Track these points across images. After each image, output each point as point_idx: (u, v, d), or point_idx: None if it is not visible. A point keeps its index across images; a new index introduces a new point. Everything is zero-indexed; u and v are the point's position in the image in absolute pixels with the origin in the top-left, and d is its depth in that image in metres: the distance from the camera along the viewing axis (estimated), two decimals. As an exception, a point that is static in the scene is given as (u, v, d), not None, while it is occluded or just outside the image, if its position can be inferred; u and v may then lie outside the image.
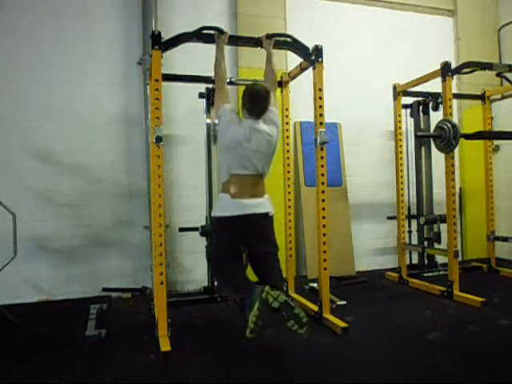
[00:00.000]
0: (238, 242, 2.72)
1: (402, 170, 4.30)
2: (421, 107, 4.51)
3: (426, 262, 4.58)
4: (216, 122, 2.80)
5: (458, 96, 4.74)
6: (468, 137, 3.85)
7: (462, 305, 3.38)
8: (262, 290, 2.40)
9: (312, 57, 3.04)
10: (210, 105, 3.62)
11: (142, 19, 4.05)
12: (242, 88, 4.04)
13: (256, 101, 2.68)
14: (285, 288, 2.76)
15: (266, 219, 2.72)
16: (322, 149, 3.01)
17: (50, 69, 3.90)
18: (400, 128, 4.29)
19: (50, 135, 3.88)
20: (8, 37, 3.82)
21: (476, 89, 4.79)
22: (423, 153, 4.55)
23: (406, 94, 4.31)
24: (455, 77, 4.60)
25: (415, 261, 4.65)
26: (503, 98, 4.97)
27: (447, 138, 3.57)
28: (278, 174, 3.67)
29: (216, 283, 3.58)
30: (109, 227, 4.01)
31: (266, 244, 2.73)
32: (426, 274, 4.35)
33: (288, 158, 3.74)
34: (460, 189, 5.16)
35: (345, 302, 3.48)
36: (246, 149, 2.63)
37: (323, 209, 3.04)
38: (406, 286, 4.08)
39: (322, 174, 3.02)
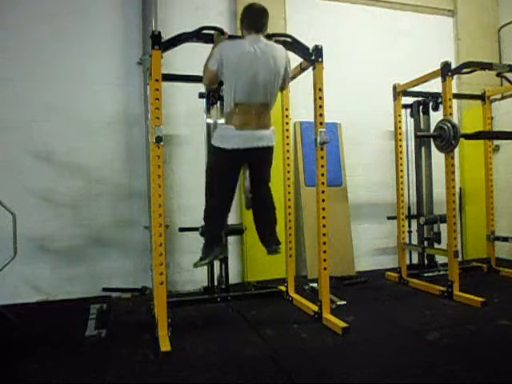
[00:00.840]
0: (237, 172, 2.78)
1: (402, 170, 4.30)
2: (421, 107, 4.51)
3: (426, 262, 4.58)
4: (214, 61, 2.69)
5: (457, 96, 4.74)
6: (468, 137, 3.85)
7: (462, 305, 3.38)
8: (219, 253, 2.95)
9: (312, 57, 3.03)
10: (209, 105, 3.63)
11: (142, 19, 4.05)
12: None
13: (255, 14, 2.69)
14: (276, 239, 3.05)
15: (269, 152, 2.76)
16: (321, 149, 3.01)
17: (50, 69, 3.90)
18: (400, 128, 4.29)
19: (50, 135, 3.88)
20: (8, 37, 3.82)
21: (476, 89, 4.79)
22: (423, 153, 4.55)
23: (406, 94, 4.30)
24: (455, 77, 4.60)
25: (415, 261, 4.65)
26: (503, 97, 4.96)
27: (447, 138, 3.57)
28: (278, 174, 3.67)
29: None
30: (109, 227, 4.01)
31: (263, 184, 2.90)
32: (425, 274, 4.35)
33: (288, 158, 3.73)
34: (460, 189, 5.16)
35: (345, 302, 3.48)
36: (252, 64, 2.56)
37: (323, 209, 3.04)
38: (405, 286, 4.08)
39: (322, 174, 3.02)
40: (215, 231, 2.95)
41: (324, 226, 3.04)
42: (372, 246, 4.88)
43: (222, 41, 2.82)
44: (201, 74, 3.42)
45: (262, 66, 2.60)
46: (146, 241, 3.98)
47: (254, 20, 2.67)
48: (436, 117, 4.01)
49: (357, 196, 4.81)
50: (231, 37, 3.01)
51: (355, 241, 4.66)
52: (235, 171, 2.79)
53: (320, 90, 3.03)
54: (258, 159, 2.73)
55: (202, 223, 3.58)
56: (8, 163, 3.79)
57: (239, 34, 4.07)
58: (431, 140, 4.02)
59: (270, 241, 2.98)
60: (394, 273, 4.34)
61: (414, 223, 4.56)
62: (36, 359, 2.54)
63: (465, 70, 3.93)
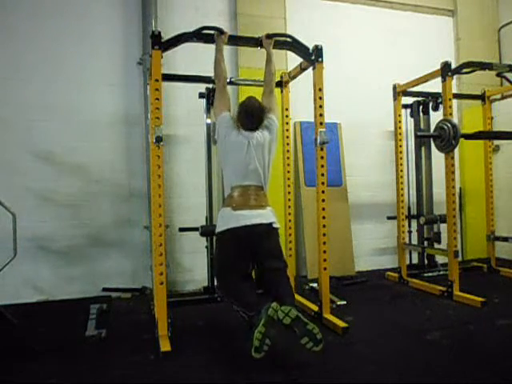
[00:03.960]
0: (243, 255, 2.59)
1: (402, 170, 4.30)
2: (421, 107, 4.52)
3: (426, 262, 4.58)
4: (216, 125, 2.80)
5: (457, 96, 4.74)
6: (468, 137, 3.85)
7: (462, 305, 3.38)
8: (268, 306, 2.26)
9: (312, 57, 3.03)
10: (209, 105, 3.63)
11: (142, 19, 4.05)
12: (242, 88, 4.10)
13: (250, 118, 2.69)
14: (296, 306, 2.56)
15: (270, 230, 2.63)
16: (321, 149, 3.01)
17: (51, 68, 3.91)
18: (400, 128, 4.29)
19: (50, 135, 3.88)
20: (9, 37, 3.82)
21: (476, 89, 4.79)
22: (423, 153, 4.55)
23: (406, 94, 4.31)
24: (455, 77, 4.60)
25: (415, 261, 4.65)
26: (503, 97, 4.96)
27: (447, 138, 3.57)
28: (278, 174, 3.67)
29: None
30: (109, 227, 4.01)
31: (273, 259, 2.61)
32: (426, 274, 4.35)
33: (288, 158, 3.73)
34: (460, 189, 5.16)
35: (345, 302, 3.48)
36: (245, 152, 2.63)
37: (323, 209, 3.04)
38: (406, 286, 4.08)
39: (322, 174, 3.02)
40: (248, 302, 2.48)
41: (324, 225, 3.04)
42: (372, 246, 4.88)
43: (222, 56, 2.85)
44: (201, 73, 3.45)
45: (255, 154, 2.66)
46: (146, 241, 3.98)
47: (249, 124, 2.70)
48: (436, 117, 4.01)
49: (357, 196, 4.81)
50: (231, 36, 3.01)
51: (355, 241, 4.66)
52: (241, 251, 2.59)
53: (320, 89, 3.03)
54: (259, 236, 2.59)
55: (202, 223, 3.62)
56: (8, 163, 3.79)
57: (239, 33, 4.13)
58: (431, 140, 4.02)
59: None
60: (393, 273, 4.35)
61: (414, 223, 4.56)
62: (36, 359, 2.54)
63: (465, 70, 3.93)
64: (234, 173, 2.67)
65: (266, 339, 2.21)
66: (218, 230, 2.68)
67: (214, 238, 3.04)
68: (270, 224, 2.63)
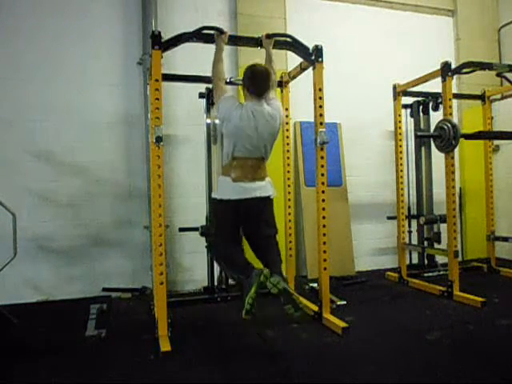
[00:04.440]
0: (238, 224, 2.77)
1: (401, 170, 4.30)
2: (421, 107, 4.51)
3: (426, 262, 4.58)
4: (218, 105, 2.77)
5: (458, 96, 4.74)
6: (468, 137, 3.85)
7: (462, 305, 3.38)
8: (260, 273, 2.48)
9: (312, 57, 3.03)
10: (209, 105, 3.63)
11: (142, 19, 4.05)
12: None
13: (257, 79, 2.69)
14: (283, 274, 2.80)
15: (266, 203, 2.76)
16: (321, 149, 3.01)
17: (51, 68, 3.91)
18: (400, 128, 4.29)
19: (50, 135, 3.88)
20: (9, 37, 3.82)
21: (476, 89, 4.78)
22: (423, 153, 4.55)
23: (406, 94, 4.31)
24: (455, 77, 4.60)
25: (415, 261, 4.65)
26: (503, 97, 4.97)
27: (447, 138, 3.57)
28: (278, 174, 3.67)
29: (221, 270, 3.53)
30: (109, 227, 4.01)
31: (265, 227, 2.79)
32: (426, 274, 4.35)
33: (288, 157, 3.74)
34: (460, 189, 5.16)
35: (345, 302, 3.48)
36: (249, 131, 2.63)
37: (323, 209, 3.04)
38: (405, 286, 4.08)
39: (322, 174, 3.02)
40: (242, 266, 2.67)
41: (324, 225, 3.04)
42: (372, 246, 4.88)
43: (222, 56, 2.86)
44: (201, 73, 3.44)
45: (261, 130, 2.67)
46: (146, 241, 3.98)
47: (256, 86, 2.69)
48: (436, 117, 4.01)
49: (357, 196, 4.81)
50: (231, 37, 3.01)
51: (355, 241, 4.66)
52: (236, 217, 2.73)
53: (320, 90, 3.03)
54: (255, 208, 2.71)
55: (202, 223, 3.63)
56: (8, 163, 3.79)
57: (239, 33, 4.12)
58: (431, 140, 4.02)
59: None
60: (393, 273, 4.35)
61: (414, 223, 4.56)
62: (36, 359, 2.54)
63: (465, 70, 3.93)
64: (236, 144, 2.66)
65: (255, 303, 2.48)
66: (217, 196, 2.74)
67: (211, 201, 3.16)
68: (269, 197, 2.76)
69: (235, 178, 2.65)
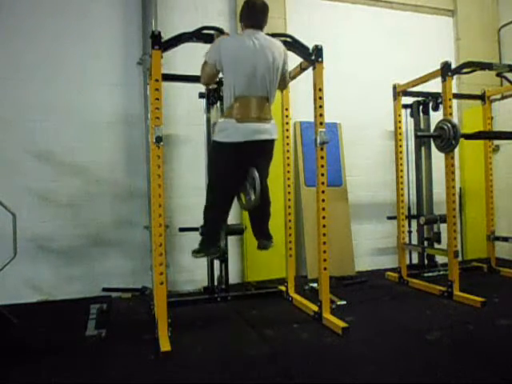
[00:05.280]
0: (240, 170, 2.73)
1: (402, 170, 4.30)
2: (421, 107, 4.51)
3: (426, 262, 4.58)
4: (211, 53, 2.70)
5: (458, 96, 4.74)
6: (468, 137, 3.85)
7: (462, 305, 3.38)
8: (215, 251, 2.90)
9: (312, 57, 3.03)
10: (209, 105, 3.63)
11: (142, 19, 4.05)
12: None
13: (256, 10, 2.69)
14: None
15: (269, 146, 2.74)
16: (321, 149, 3.01)
17: (51, 68, 3.90)
18: (400, 128, 4.29)
19: (50, 135, 3.88)
20: (9, 37, 3.82)
21: (476, 89, 4.78)
22: (423, 153, 4.55)
23: (406, 94, 4.31)
24: (455, 77, 4.59)
25: (415, 261, 4.65)
26: (503, 97, 4.97)
27: (447, 138, 3.57)
28: (278, 174, 3.67)
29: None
30: (109, 227, 4.01)
31: (264, 175, 2.80)
32: (426, 274, 4.35)
33: (288, 158, 3.73)
34: (460, 189, 5.16)
35: (345, 302, 3.48)
36: (250, 56, 2.56)
37: (323, 209, 3.03)
38: (405, 286, 4.08)
39: (322, 174, 3.02)
40: (213, 230, 2.93)
41: (324, 225, 3.04)
42: (372, 246, 4.88)
43: (217, 40, 2.82)
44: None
45: (261, 59, 2.60)
46: (146, 241, 3.98)
47: (255, 17, 2.67)
48: (436, 117, 4.01)
49: (357, 196, 4.81)
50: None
51: (355, 241, 4.66)
52: (238, 167, 2.72)
53: (320, 90, 3.03)
54: (260, 153, 2.69)
55: (202, 223, 3.62)
56: (8, 163, 3.79)
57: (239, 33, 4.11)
58: (431, 140, 4.02)
59: (261, 234, 3.01)
60: (393, 273, 4.34)
61: (414, 223, 4.56)
62: (36, 359, 2.54)
63: (465, 70, 3.93)
64: (238, 81, 2.58)
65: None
66: (219, 139, 2.65)
67: (211, 144, 3.04)
68: (273, 140, 2.73)
69: (239, 119, 2.53)
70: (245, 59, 2.56)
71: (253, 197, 2.77)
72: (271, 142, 2.73)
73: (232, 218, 3.70)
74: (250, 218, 3.08)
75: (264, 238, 3.01)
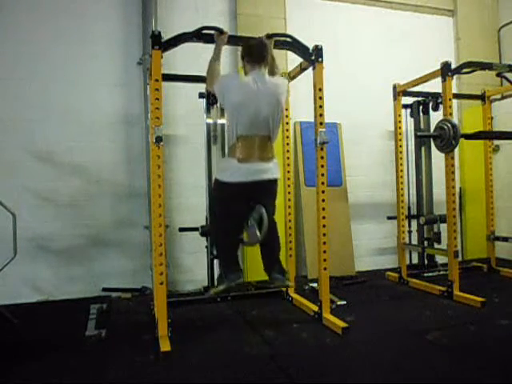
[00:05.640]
0: (241, 208, 2.71)
1: (402, 170, 4.30)
2: (421, 107, 4.51)
3: (426, 262, 4.58)
4: (218, 88, 2.73)
5: (458, 96, 4.74)
6: (468, 137, 3.85)
7: (462, 305, 3.38)
8: (231, 282, 2.74)
9: (312, 57, 3.03)
10: (209, 105, 3.63)
11: (142, 19, 4.05)
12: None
13: (253, 49, 2.73)
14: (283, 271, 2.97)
15: (272, 185, 2.74)
16: (321, 149, 3.01)
17: (51, 69, 3.91)
18: (400, 128, 4.29)
19: (50, 135, 3.88)
20: (8, 37, 3.82)
21: (476, 89, 4.79)
22: (423, 153, 4.55)
23: (406, 94, 4.31)
24: (455, 77, 4.60)
25: (415, 261, 4.65)
26: (503, 97, 4.97)
27: (447, 138, 3.57)
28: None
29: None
30: (109, 227, 4.01)
31: (269, 213, 2.75)
32: (426, 274, 4.35)
33: (288, 158, 3.73)
34: (460, 189, 5.16)
35: (345, 302, 3.48)
36: (252, 98, 2.59)
37: (323, 209, 3.03)
38: (405, 286, 4.08)
39: (322, 174, 3.02)
40: (229, 262, 2.84)
41: (324, 225, 3.04)
42: (372, 246, 4.88)
43: (222, 77, 2.84)
44: (201, 73, 3.42)
45: (265, 102, 2.64)
46: (146, 241, 3.98)
47: (254, 54, 2.71)
48: (436, 117, 4.01)
49: (357, 196, 4.81)
50: (231, 36, 3.01)
51: (355, 241, 4.66)
52: (241, 205, 2.71)
53: (320, 89, 3.03)
54: (263, 192, 2.69)
55: (202, 223, 3.63)
56: (8, 163, 3.79)
57: (239, 33, 4.12)
58: (431, 140, 4.02)
59: (273, 269, 2.87)
60: (393, 273, 4.34)
61: (414, 223, 4.56)
62: (36, 359, 2.54)
63: (465, 70, 3.93)
64: (242, 121, 2.61)
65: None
66: (222, 178, 2.68)
67: (213, 182, 3.01)
68: (276, 179, 2.73)
69: (241, 159, 2.57)
70: (249, 103, 2.60)
71: (258, 233, 2.70)
72: (273, 181, 2.73)
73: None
74: (260, 252, 2.95)
75: (275, 272, 2.86)
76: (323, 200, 3.03)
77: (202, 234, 3.57)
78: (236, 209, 2.71)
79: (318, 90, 3.03)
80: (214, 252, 3.54)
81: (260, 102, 2.62)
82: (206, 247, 3.69)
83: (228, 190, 2.67)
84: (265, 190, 2.70)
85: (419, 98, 4.46)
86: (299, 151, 4.58)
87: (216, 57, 2.85)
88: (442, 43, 5.24)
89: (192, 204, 4.09)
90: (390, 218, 4.46)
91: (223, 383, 2.22)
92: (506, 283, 4.14)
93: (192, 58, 3.86)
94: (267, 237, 2.73)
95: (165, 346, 2.54)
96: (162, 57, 2.79)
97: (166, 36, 2.84)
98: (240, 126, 2.61)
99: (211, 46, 2.93)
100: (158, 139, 2.71)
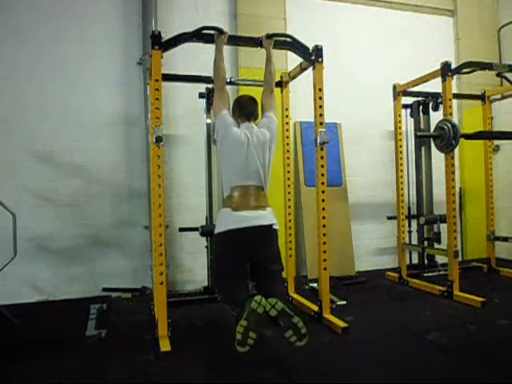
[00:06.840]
0: (242, 258, 2.60)
1: (402, 170, 4.30)
2: (421, 107, 4.52)
3: (426, 262, 4.58)
4: (215, 125, 2.78)
5: (458, 96, 4.74)
6: (468, 137, 3.85)
7: (462, 305, 3.38)
8: (251, 300, 2.28)
9: (312, 57, 3.03)
10: (209, 105, 3.63)
11: (142, 19, 4.05)
12: (242, 88, 4.10)
13: (243, 105, 2.76)
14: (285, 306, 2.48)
15: (270, 232, 2.63)
16: (321, 149, 3.01)
17: (50, 69, 3.91)
18: (400, 128, 4.29)
19: (50, 135, 3.88)
20: (9, 37, 3.82)
21: (476, 89, 4.79)
22: (423, 153, 4.55)
23: (406, 94, 4.31)
24: (455, 77, 4.60)
25: (415, 261, 4.66)
26: (503, 97, 4.97)
27: (447, 138, 3.57)
28: (278, 174, 3.67)
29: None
30: (109, 227, 4.01)
31: (271, 263, 2.62)
32: (425, 274, 4.35)
33: (288, 158, 3.73)
34: (460, 189, 5.16)
35: (345, 302, 3.48)
36: (245, 151, 2.62)
37: (323, 209, 3.03)
38: (406, 286, 4.08)
39: (322, 174, 3.02)
40: (240, 303, 2.44)
41: (324, 225, 3.04)
42: (372, 246, 4.88)
43: (222, 55, 2.83)
44: (201, 73, 3.45)
45: (255, 153, 2.65)
46: (146, 241, 3.98)
47: (244, 110, 2.74)
48: (436, 117, 4.01)
49: (357, 196, 4.81)
50: (231, 36, 3.00)
51: (355, 241, 4.66)
52: (240, 253, 2.59)
53: (320, 89, 3.03)
54: (258, 239, 2.59)
55: (202, 223, 3.63)
56: (8, 163, 3.79)
57: (239, 33, 4.12)
58: (431, 140, 4.02)
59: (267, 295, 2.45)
60: (394, 273, 4.34)
61: (414, 223, 4.56)
62: (36, 359, 2.54)
63: (465, 70, 3.93)
64: (234, 172, 2.65)
65: (249, 332, 2.21)
66: (217, 230, 2.66)
67: (213, 238, 3.00)
68: (270, 226, 2.63)
69: (235, 208, 2.58)
70: (240, 153, 2.62)
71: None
72: (268, 227, 2.63)
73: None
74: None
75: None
76: (323, 200, 3.03)
77: (202, 234, 3.57)
78: (237, 258, 2.58)
79: (317, 89, 3.03)
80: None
81: (250, 154, 2.63)
82: (206, 247, 3.69)
83: (225, 239, 2.60)
84: (260, 237, 2.58)
85: (419, 98, 4.47)
86: (299, 151, 4.58)
87: (220, 56, 2.85)
88: (441, 43, 5.24)
89: (192, 204, 4.09)
90: (389, 218, 4.46)
91: (223, 383, 2.22)
92: (505, 283, 4.14)
93: (192, 58, 3.87)
94: (267, 291, 2.46)
95: (165, 346, 2.54)
96: (161, 57, 2.79)
97: (165, 36, 2.84)
98: (233, 177, 2.64)
99: (211, 46, 2.92)
100: (158, 139, 2.71)
